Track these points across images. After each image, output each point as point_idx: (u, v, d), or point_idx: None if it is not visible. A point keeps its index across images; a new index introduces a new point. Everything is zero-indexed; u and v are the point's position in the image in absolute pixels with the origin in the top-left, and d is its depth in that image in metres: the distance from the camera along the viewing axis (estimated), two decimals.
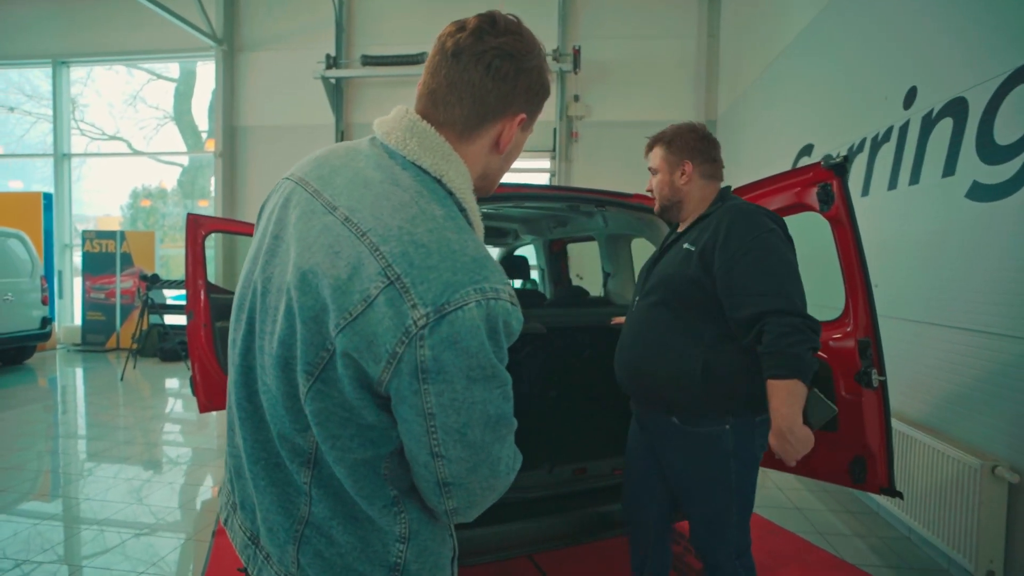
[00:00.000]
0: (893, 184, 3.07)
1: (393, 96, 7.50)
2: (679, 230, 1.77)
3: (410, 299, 0.67)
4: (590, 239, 3.57)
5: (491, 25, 0.81)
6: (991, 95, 2.39)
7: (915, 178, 2.88)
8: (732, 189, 2.62)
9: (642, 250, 2.99)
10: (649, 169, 1.79)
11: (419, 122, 0.81)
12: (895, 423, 2.84)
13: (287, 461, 0.78)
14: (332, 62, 7.53)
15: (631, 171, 7.24)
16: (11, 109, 9.71)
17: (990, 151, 2.38)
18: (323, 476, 0.77)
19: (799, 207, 2.05)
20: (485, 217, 2.88)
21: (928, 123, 2.81)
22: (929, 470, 2.59)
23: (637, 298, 1.77)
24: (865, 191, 3.37)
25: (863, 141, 3.44)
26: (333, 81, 7.65)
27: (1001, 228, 2.31)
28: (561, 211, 2.96)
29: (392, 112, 0.84)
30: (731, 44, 6.79)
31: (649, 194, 1.83)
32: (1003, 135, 2.32)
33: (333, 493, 0.77)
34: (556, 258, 4.08)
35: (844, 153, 3.77)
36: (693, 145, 1.70)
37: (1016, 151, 2.25)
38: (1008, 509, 2.24)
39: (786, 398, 1.38)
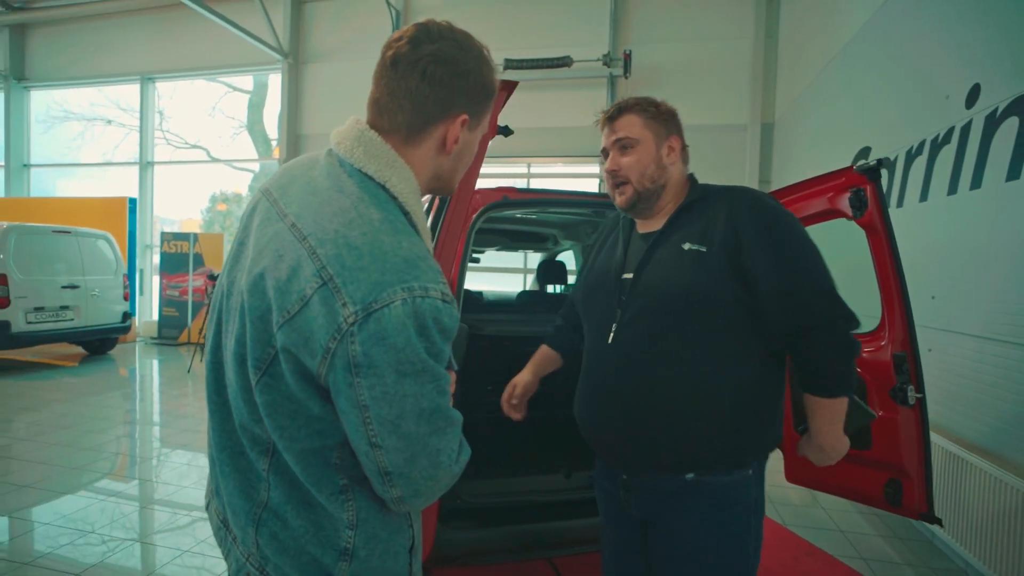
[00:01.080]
0: (953, 188, 2.87)
1: None
2: (646, 229, 1.36)
3: (341, 298, 0.72)
4: None
5: (425, 33, 0.84)
6: None
7: (977, 182, 2.68)
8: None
9: None
10: (615, 143, 1.34)
11: (366, 131, 0.86)
12: (951, 446, 2.64)
13: (248, 449, 0.84)
14: None
15: None
16: (108, 122, 10.67)
17: None
18: (280, 464, 0.82)
19: (832, 213, 1.96)
20: (520, 222, 2.91)
21: (992, 123, 2.60)
22: (987, 497, 2.39)
23: (613, 324, 1.30)
24: (924, 196, 3.16)
25: (922, 143, 3.23)
26: None
27: None
28: (593, 216, 2.95)
29: (346, 122, 0.89)
30: (789, 45, 6.53)
31: (611, 177, 1.36)
32: None
33: (289, 480, 0.82)
34: None
35: (893, 156, 3.55)
36: (677, 121, 1.36)
37: None
38: None
39: (832, 417, 1.22)
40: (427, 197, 2.19)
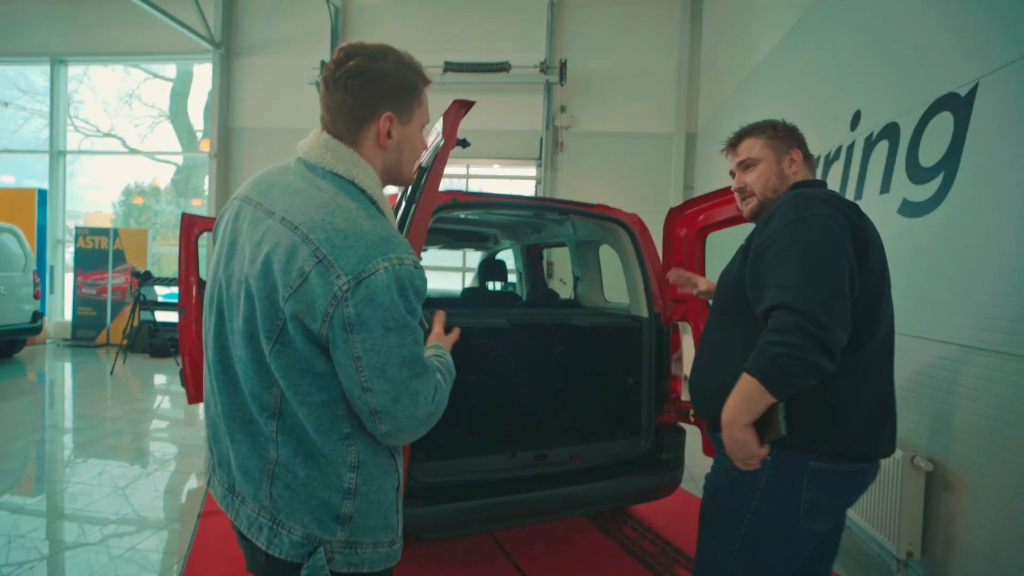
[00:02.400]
0: None
1: None
2: None
3: (335, 271, 0.91)
4: (562, 245, 3.80)
5: (345, 54, 1.04)
6: (917, 121, 2.64)
7: (858, 194, 3.13)
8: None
9: (608, 256, 3.22)
10: (739, 164, 1.54)
11: (330, 139, 1.05)
12: None
13: (257, 416, 1.01)
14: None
15: (614, 179, 7.52)
16: (5, 104, 9.84)
17: (916, 172, 2.63)
18: (286, 425, 1.00)
19: (738, 219, 2.28)
20: (465, 223, 3.10)
21: (869, 144, 3.06)
22: None
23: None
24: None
25: (818, 158, 3.69)
26: None
27: (925, 241, 2.56)
28: (534, 218, 3.19)
29: (310, 134, 1.09)
30: (709, 61, 7.07)
31: (739, 194, 1.56)
32: (926, 157, 2.57)
33: (296, 438, 1.00)
34: (532, 262, 4.30)
35: None
36: (798, 136, 1.51)
37: (935, 172, 2.50)
38: (925, 496, 2.47)
39: (739, 392, 1.19)
40: (394, 191, 2.30)
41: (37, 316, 7.31)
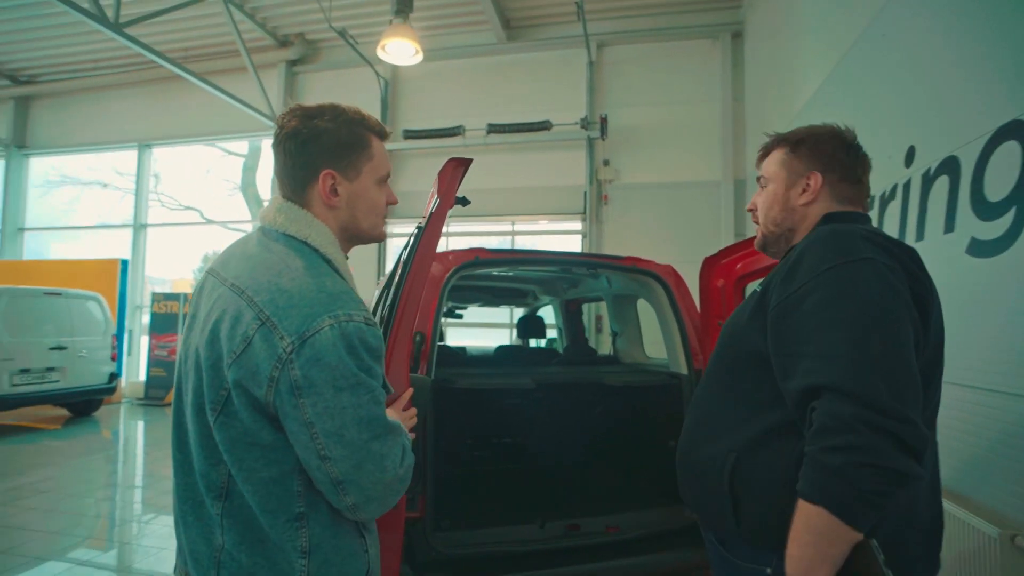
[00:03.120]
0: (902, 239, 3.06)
1: (432, 165, 7.99)
2: None
3: (278, 333, 0.87)
4: (600, 299, 3.68)
5: (284, 118, 1.04)
6: (979, 153, 2.41)
7: (920, 234, 2.87)
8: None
9: (646, 312, 3.07)
10: (758, 180, 1.28)
11: (284, 202, 1.04)
12: None
13: (205, 496, 0.95)
14: None
15: (662, 231, 7.37)
16: (104, 185, 10.95)
17: (983, 208, 2.38)
18: (232, 507, 0.93)
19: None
20: (500, 280, 3.06)
21: (927, 180, 2.82)
22: (948, 537, 2.44)
23: None
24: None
25: (872, 199, 3.45)
26: None
27: (999, 284, 2.28)
28: (563, 273, 3.11)
29: (270, 200, 1.06)
30: (755, 106, 6.94)
31: (751, 215, 1.30)
32: (993, 191, 2.33)
33: (242, 521, 0.92)
34: (572, 317, 4.19)
35: None
36: (831, 153, 1.17)
37: (1006, 207, 2.25)
38: None
39: (802, 532, 0.85)
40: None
41: (113, 377, 7.79)
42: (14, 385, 6.52)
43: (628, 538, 2.33)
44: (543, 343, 4.70)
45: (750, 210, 1.30)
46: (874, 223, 3.34)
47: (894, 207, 3.17)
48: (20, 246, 10.70)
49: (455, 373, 2.55)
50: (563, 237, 8.24)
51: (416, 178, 8.22)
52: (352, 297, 0.95)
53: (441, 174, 1.49)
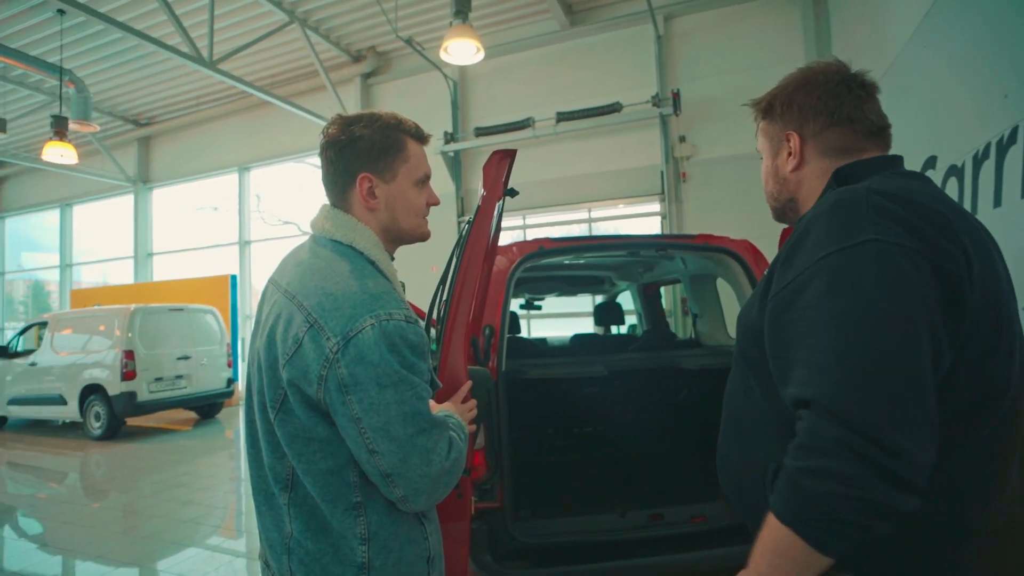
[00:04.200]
0: None
1: None
2: None
3: (325, 334, 0.93)
4: (677, 281, 3.54)
5: (326, 129, 1.09)
6: None
7: None
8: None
9: (727, 291, 2.92)
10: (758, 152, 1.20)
11: (331, 209, 1.10)
12: None
13: (274, 488, 1.02)
14: (450, 137, 8.36)
15: (747, 205, 6.92)
16: (215, 208, 12.08)
17: None
18: (297, 497, 0.99)
19: None
20: (574, 268, 3.04)
21: None
22: None
23: None
24: (997, 202, 2.96)
25: (987, 146, 3.05)
26: (452, 154, 8.45)
27: None
28: (631, 257, 3.02)
29: (319, 209, 1.13)
30: (844, 57, 6.31)
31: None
32: None
33: (306, 511, 0.99)
34: (650, 301, 4.07)
35: (960, 163, 3.36)
36: (802, 103, 1.02)
37: None
38: None
39: (769, 550, 0.77)
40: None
41: (230, 382, 8.59)
42: (151, 392, 7.39)
43: (716, 528, 2.23)
44: (623, 330, 4.60)
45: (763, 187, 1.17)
46: (993, 174, 2.97)
47: (1016, 152, 2.77)
48: (150, 269, 12.06)
49: (528, 364, 2.56)
50: (642, 220, 8.01)
51: None
52: (393, 297, 0.98)
53: (486, 167, 1.50)
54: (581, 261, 3.45)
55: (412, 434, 0.93)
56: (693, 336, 3.28)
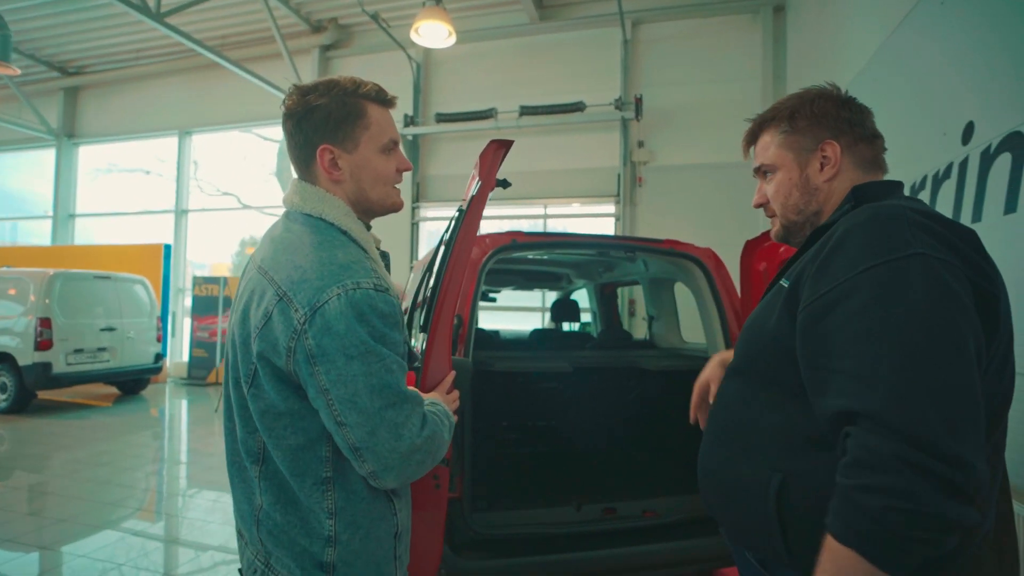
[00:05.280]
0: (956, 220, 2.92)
1: (464, 148, 7.98)
2: None
3: (294, 307, 0.93)
4: (636, 283, 3.63)
5: (284, 100, 1.08)
6: None
7: (977, 215, 2.73)
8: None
9: (684, 295, 3.02)
10: (755, 172, 1.14)
11: (299, 183, 1.09)
12: None
13: (245, 460, 1.03)
14: (410, 120, 8.19)
15: (697, 214, 7.21)
16: (147, 172, 11.31)
17: None
18: (268, 471, 1.00)
19: None
20: (535, 263, 3.04)
21: (987, 159, 2.67)
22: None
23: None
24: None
25: (924, 178, 3.30)
26: (411, 137, 8.29)
27: None
28: (600, 257, 3.07)
29: (289, 184, 1.11)
30: (796, 85, 6.66)
31: (763, 210, 1.14)
32: None
33: (276, 484, 1.00)
34: (606, 301, 4.15)
35: None
36: (835, 114, 1.02)
37: None
38: None
39: (830, 573, 0.75)
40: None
41: (159, 358, 8.11)
42: (69, 364, 6.86)
43: (667, 522, 2.32)
44: (575, 327, 4.68)
45: (758, 206, 1.14)
46: (928, 202, 3.21)
47: (948, 187, 3.02)
48: (71, 232, 11.17)
49: (492, 356, 2.56)
50: (596, 220, 8.15)
51: (449, 162, 8.24)
52: (363, 266, 0.97)
53: (482, 156, 1.48)
54: (545, 257, 3.48)
55: (380, 407, 0.91)
56: (647, 337, 3.38)
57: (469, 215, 1.45)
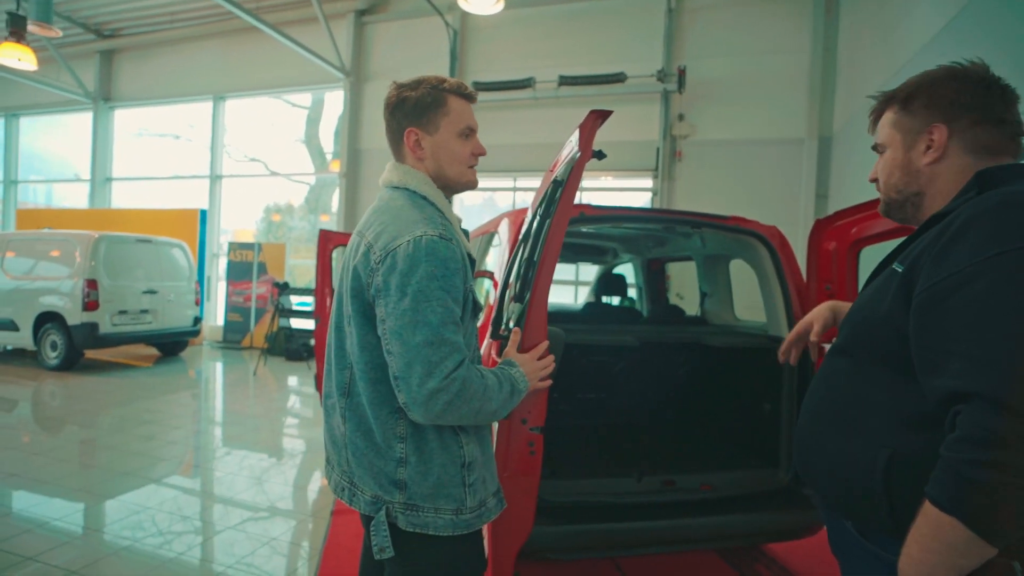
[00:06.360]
0: None
1: (500, 118, 7.89)
2: None
3: (374, 251, 1.13)
4: (688, 259, 3.60)
5: (387, 94, 1.29)
6: None
7: None
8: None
9: (741, 272, 2.99)
10: (874, 147, 1.15)
11: (392, 163, 1.31)
12: None
13: (336, 394, 1.23)
14: None
15: (737, 190, 7.09)
16: (177, 137, 11.40)
17: None
18: (351, 404, 1.20)
19: (905, 230, 1.99)
20: (585, 236, 3.03)
21: None
22: None
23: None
24: None
25: None
26: None
27: None
28: (658, 231, 3.05)
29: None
30: (848, 58, 6.45)
31: (874, 185, 1.17)
32: None
33: (358, 415, 1.19)
34: (654, 277, 4.13)
35: None
36: (953, 98, 1.00)
37: None
38: None
39: (929, 538, 0.80)
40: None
41: (197, 321, 8.30)
42: (114, 325, 7.06)
43: (722, 497, 2.35)
44: (615, 302, 4.67)
45: (872, 180, 1.17)
46: None
47: None
48: (108, 195, 11.37)
49: (560, 329, 2.57)
50: (629, 195, 8.06)
51: (485, 131, 7.96)
52: (434, 220, 1.15)
53: (582, 127, 1.47)
54: (594, 231, 3.45)
55: (420, 343, 1.04)
56: (699, 314, 3.37)
57: (568, 186, 1.45)
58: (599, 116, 1.47)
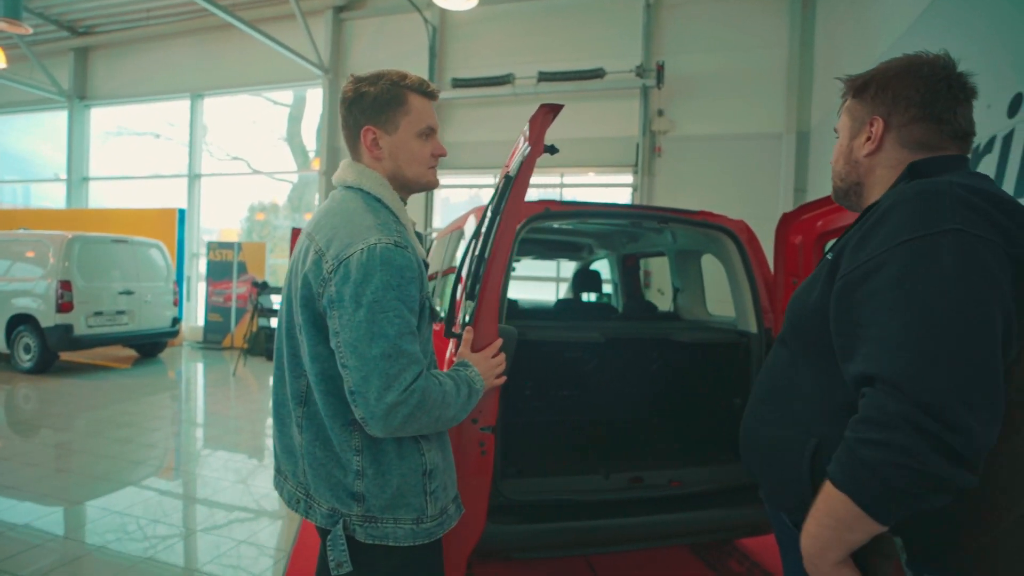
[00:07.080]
0: None
1: (480, 115, 7.85)
2: None
3: (326, 259, 1.07)
4: (661, 255, 3.60)
5: (343, 88, 1.23)
6: None
7: (1020, 190, 2.67)
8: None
9: (711, 267, 2.99)
10: (835, 130, 1.16)
11: (347, 161, 1.25)
12: None
13: (291, 403, 1.19)
14: None
15: (717, 185, 7.11)
16: (157, 136, 11.23)
17: None
18: (308, 412, 1.16)
19: None
20: (559, 233, 3.02)
21: None
22: None
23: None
24: None
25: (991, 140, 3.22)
26: None
27: None
28: (630, 227, 3.04)
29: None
30: (825, 53, 6.49)
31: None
32: None
33: (316, 424, 1.15)
34: (629, 273, 4.13)
35: None
36: (898, 91, 1.00)
37: None
38: None
39: (823, 513, 0.84)
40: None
41: (175, 321, 8.19)
42: (90, 326, 6.94)
43: (692, 492, 2.35)
44: (593, 298, 4.67)
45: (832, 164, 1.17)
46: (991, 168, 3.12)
47: (990, 160, 2.94)
48: (85, 195, 11.18)
49: (524, 325, 2.56)
50: (612, 191, 8.06)
51: (465, 129, 8.11)
52: (388, 227, 1.10)
53: (532, 121, 1.45)
54: (569, 226, 3.44)
55: (377, 356, 1.00)
56: (672, 309, 3.37)
57: (518, 182, 1.43)
58: (550, 110, 1.45)
